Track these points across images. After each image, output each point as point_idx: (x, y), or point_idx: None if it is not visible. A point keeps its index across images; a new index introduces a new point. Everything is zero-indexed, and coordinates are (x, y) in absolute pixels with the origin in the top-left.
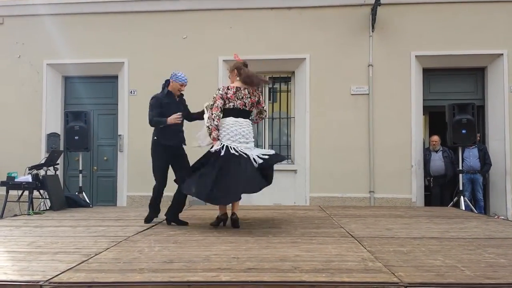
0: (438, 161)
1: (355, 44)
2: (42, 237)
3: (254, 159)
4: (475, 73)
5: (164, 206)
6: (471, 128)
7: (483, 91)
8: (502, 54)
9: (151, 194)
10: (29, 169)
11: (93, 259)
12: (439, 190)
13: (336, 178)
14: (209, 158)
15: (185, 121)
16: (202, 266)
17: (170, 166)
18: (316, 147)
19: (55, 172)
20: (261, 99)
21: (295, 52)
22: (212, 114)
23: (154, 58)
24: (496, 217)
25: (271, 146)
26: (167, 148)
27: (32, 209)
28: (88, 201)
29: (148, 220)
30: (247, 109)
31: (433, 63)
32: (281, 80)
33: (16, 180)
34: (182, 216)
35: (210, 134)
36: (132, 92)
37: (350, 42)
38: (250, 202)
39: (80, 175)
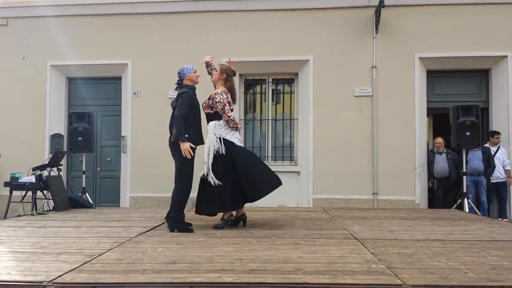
0: (442, 163)
1: (359, 45)
2: (46, 238)
3: None
4: (479, 75)
5: (164, 207)
6: (475, 130)
7: (487, 93)
8: (506, 56)
9: (154, 195)
10: (32, 170)
11: (96, 260)
12: (443, 192)
13: (340, 179)
14: (225, 163)
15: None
16: (205, 267)
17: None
18: (320, 148)
19: (59, 173)
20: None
21: (298, 53)
22: (230, 116)
23: (158, 60)
24: (500, 219)
25: (274, 148)
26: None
27: (36, 210)
28: (91, 202)
29: (187, 229)
30: None
31: (437, 65)
32: (285, 81)
33: (19, 180)
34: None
35: (236, 129)
36: (136, 93)
37: (354, 44)
38: (253, 204)
39: (84, 176)
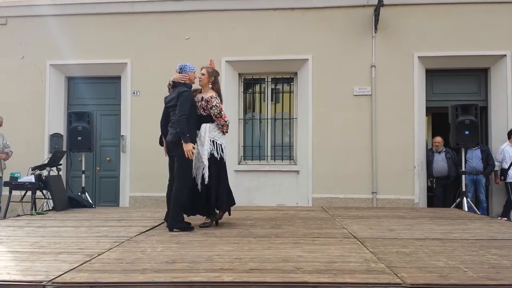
0: (441, 162)
1: (358, 44)
2: (45, 237)
3: None
4: (478, 74)
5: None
6: (474, 129)
7: (486, 92)
8: (505, 55)
9: (153, 194)
10: (32, 170)
11: (96, 260)
12: (442, 191)
13: (339, 179)
14: (219, 166)
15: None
16: (205, 267)
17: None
18: (319, 148)
19: (58, 173)
20: None
21: (297, 52)
22: (226, 121)
23: (157, 59)
24: (499, 218)
25: (274, 147)
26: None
27: (35, 210)
28: (90, 201)
29: (187, 228)
30: None
31: (436, 64)
32: (284, 81)
33: (19, 180)
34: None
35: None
36: (135, 93)
37: (353, 43)
38: (253, 203)
39: (83, 175)
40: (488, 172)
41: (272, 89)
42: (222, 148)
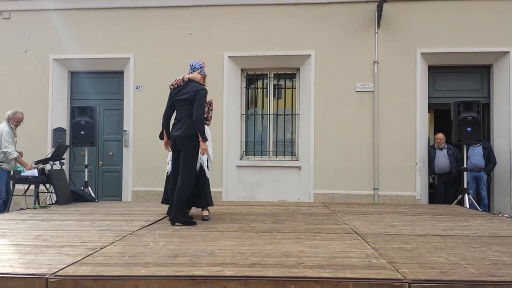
0: (442, 158)
1: (361, 41)
2: (48, 231)
3: None
4: (480, 71)
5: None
6: (476, 126)
7: (489, 89)
8: (508, 52)
9: (155, 189)
10: (35, 163)
11: (99, 253)
12: (444, 188)
13: (340, 175)
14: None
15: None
16: (207, 261)
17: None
18: (321, 144)
19: (61, 167)
20: None
21: (300, 48)
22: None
23: (159, 54)
24: (500, 215)
25: (276, 143)
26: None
27: (38, 203)
28: (93, 195)
29: (190, 222)
30: None
31: (439, 61)
32: (286, 76)
33: (22, 174)
34: None
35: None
36: (138, 87)
37: (356, 39)
38: (254, 198)
39: (86, 169)
40: (489, 169)
41: (274, 85)
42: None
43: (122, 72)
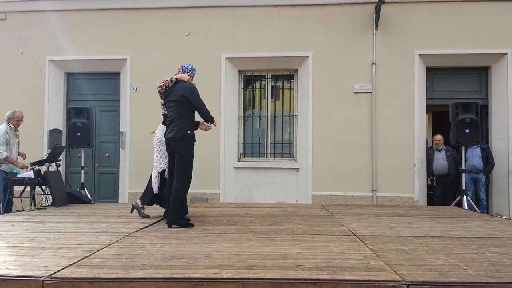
0: (441, 160)
1: (359, 42)
2: (44, 233)
3: None
4: (479, 72)
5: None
6: (474, 128)
7: (487, 91)
8: (506, 53)
9: None
10: (31, 165)
11: (95, 255)
12: (442, 190)
13: (339, 176)
14: None
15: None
16: (204, 263)
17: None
18: (319, 145)
19: (57, 168)
20: None
21: (298, 49)
22: None
23: (156, 55)
24: (499, 216)
25: (273, 144)
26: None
27: (34, 205)
28: (90, 197)
29: (187, 224)
30: None
31: (437, 62)
32: (284, 78)
33: (18, 176)
34: None
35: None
36: (135, 89)
37: (354, 40)
38: (252, 200)
39: (82, 171)
40: (488, 170)
41: (272, 86)
42: None
43: (118, 74)
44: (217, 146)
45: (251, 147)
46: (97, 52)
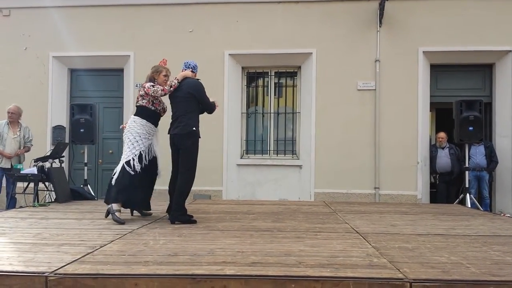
0: (444, 158)
1: (362, 39)
2: (48, 229)
3: None
4: (483, 70)
5: (165, 200)
6: (478, 125)
7: (491, 88)
8: (510, 50)
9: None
10: (34, 161)
11: (98, 251)
12: (445, 187)
13: (341, 174)
14: None
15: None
16: (207, 260)
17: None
18: (322, 142)
19: (61, 165)
20: None
21: (301, 46)
22: None
23: (160, 52)
24: (502, 214)
25: (276, 142)
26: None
27: (38, 201)
28: (93, 193)
29: (190, 221)
30: None
31: (441, 59)
32: (287, 74)
33: (21, 172)
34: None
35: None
36: (138, 85)
37: (357, 37)
38: (255, 197)
39: (85, 167)
40: (491, 168)
41: (275, 83)
42: None
43: (122, 70)
44: (220, 143)
45: (254, 144)
46: (100, 48)
